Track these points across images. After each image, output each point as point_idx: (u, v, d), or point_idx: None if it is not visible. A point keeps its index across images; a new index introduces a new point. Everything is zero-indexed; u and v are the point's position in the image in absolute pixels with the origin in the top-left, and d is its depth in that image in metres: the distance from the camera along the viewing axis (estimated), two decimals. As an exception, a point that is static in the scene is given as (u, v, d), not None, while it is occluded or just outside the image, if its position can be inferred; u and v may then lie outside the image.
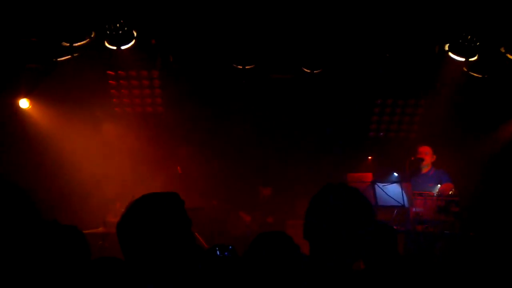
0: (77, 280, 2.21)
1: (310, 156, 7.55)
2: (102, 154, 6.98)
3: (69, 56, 5.93)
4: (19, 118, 6.86)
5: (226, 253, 2.34)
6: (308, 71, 6.37)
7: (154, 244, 1.83)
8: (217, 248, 2.40)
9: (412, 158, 6.35)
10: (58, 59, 5.98)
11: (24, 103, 6.83)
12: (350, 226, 1.87)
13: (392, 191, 5.73)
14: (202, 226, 5.91)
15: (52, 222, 2.49)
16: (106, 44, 5.78)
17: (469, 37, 5.66)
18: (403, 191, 5.71)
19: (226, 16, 5.74)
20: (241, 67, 6.32)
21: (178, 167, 7.01)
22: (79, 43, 5.70)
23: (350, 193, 1.95)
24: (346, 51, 6.27)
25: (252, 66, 6.35)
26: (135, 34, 5.81)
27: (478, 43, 5.70)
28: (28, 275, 2.09)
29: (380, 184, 5.79)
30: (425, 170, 6.44)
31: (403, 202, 5.67)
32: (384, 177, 6.45)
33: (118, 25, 5.58)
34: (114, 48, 5.78)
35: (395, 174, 6.89)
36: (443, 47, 5.97)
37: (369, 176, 6.09)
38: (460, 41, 5.74)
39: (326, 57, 6.29)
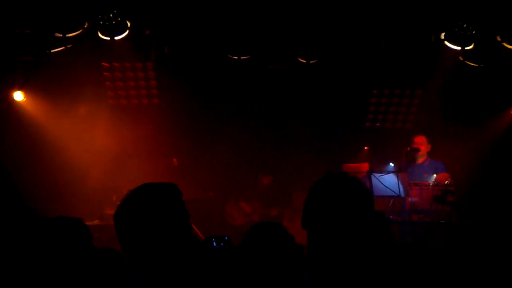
0: (80, 270, 2.23)
1: (306, 146, 7.55)
2: (97, 146, 6.95)
3: (63, 48, 5.88)
4: (14, 111, 6.82)
5: (222, 244, 2.34)
6: (304, 61, 6.34)
7: (151, 234, 1.82)
8: (213, 239, 2.39)
9: (408, 148, 6.35)
10: (52, 51, 5.92)
11: (18, 96, 6.78)
12: (349, 215, 1.85)
13: (388, 181, 5.74)
14: (199, 218, 5.91)
15: (57, 218, 2.52)
16: (100, 35, 5.73)
17: (465, 25, 5.64)
18: (399, 181, 5.72)
19: (221, 6, 5.69)
20: (236, 57, 6.28)
21: (174, 159, 6.99)
22: (72, 34, 5.64)
23: (350, 182, 1.94)
24: (342, 41, 6.25)
25: (247, 57, 6.31)
26: (128, 24, 5.76)
27: (474, 32, 5.68)
28: (34, 267, 2.11)
29: (376, 175, 5.79)
30: (420, 160, 6.45)
31: (399, 192, 5.68)
32: (380, 168, 6.45)
33: (111, 15, 5.53)
34: (108, 38, 5.72)
35: (391, 164, 6.90)
36: (439, 36, 5.95)
37: (365, 167, 6.10)
38: (456, 29, 5.72)
39: (322, 47, 6.26)
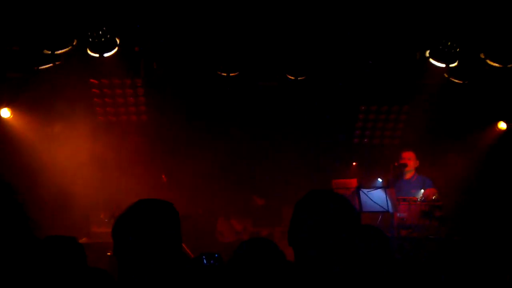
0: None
1: (295, 163, 7.57)
2: (85, 163, 6.89)
3: (51, 64, 5.86)
4: (0, 128, 6.75)
5: (212, 261, 2.33)
6: (293, 78, 6.40)
7: (146, 249, 1.83)
8: (203, 256, 2.38)
9: (396, 164, 6.41)
10: (40, 67, 5.90)
11: (5, 113, 6.72)
12: (334, 232, 1.86)
13: (376, 196, 5.77)
14: (188, 235, 5.85)
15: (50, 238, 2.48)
16: (89, 52, 5.73)
17: (449, 43, 5.75)
18: (387, 197, 5.75)
19: (210, 24, 5.74)
20: (225, 74, 6.31)
21: (163, 176, 6.96)
22: (61, 51, 5.63)
23: (334, 199, 1.95)
24: (329, 58, 6.33)
25: (236, 73, 6.35)
26: (118, 41, 5.77)
27: (458, 49, 5.80)
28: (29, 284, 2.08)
29: (365, 190, 5.82)
30: (408, 175, 6.50)
31: (388, 207, 5.71)
32: (368, 183, 6.49)
33: (100, 32, 5.54)
34: (97, 55, 5.72)
35: (379, 179, 6.95)
36: (424, 53, 6.06)
37: (354, 182, 6.13)
38: (441, 47, 5.83)
39: (310, 64, 6.33)
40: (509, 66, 5.84)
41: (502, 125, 7.24)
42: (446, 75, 6.34)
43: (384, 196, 5.74)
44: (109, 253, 5.86)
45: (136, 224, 1.85)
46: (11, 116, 6.77)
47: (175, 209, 1.94)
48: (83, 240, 6.09)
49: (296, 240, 1.92)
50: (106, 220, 6.19)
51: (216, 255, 2.45)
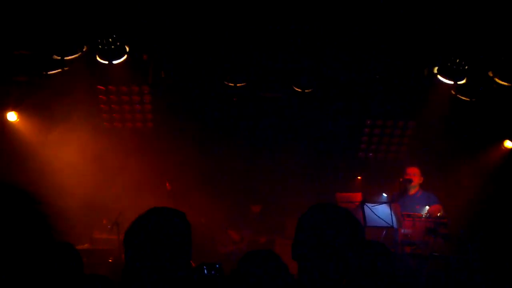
0: None
1: (300, 175, 7.55)
2: (89, 169, 6.89)
3: (60, 70, 5.89)
4: (6, 131, 6.77)
5: (213, 272, 2.30)
6: (299, 90, 6.41)
7: (157, 257, 1.81)
8: (204, 267, 2.35)
9: (401, 179, 6.37)
10: (49, 72, 5.93)
11: (12, 116, 6.75)
12: (338, 247, 1.84)
13: (381, 211, 5.73)
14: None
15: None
16: (98, 59, 5.76)
17: (457, 60, 5.75)
18: (392, 212, 5.71)
19: (219, 34, 5.77)
20: (232, 84, 6.33)
21: (167, 183, 6.95)
22: (70, 57, 5.67)
23: (338, 213, 1.93)
24: (337, 71, 6.33)
25: (243, 84, 6.37)
26: (127, 49, 5.81)
27: (466, 67, 5.79)
28: None
29: (370, 205, 5.78)
30: (412, 191, 6.46)
31: (392, 223, 5.66)
32: (373, 198, 6.45)
33: (110, 39, 5.57)
34: (106, 62, 5.76)
35: (384, 195, 6.90)
36: (432, 70, 6.05)
37: (358, 196, 6.10)
38: (449, 64, 5.83)
39: (317, 77, 6.34)
40: (517, 84, 5.82)
41: (508, 144, 7.20)
42: (453, 92, 6.33)
43: (389, 211, 5.70)
44: (110, 259, 5.83)
45: (149, 232, 1.83)
46: (18, 120, 6.79)
47: (186, 219, 1.92)
48: (85, 246, 6.07)
49: (300, 254, 1.90)
50: (108, 227, 6.17)
51: (217, 266, 2.42)
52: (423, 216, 5.87)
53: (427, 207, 6.01)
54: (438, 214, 5.84)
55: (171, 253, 1.80)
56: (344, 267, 1.85)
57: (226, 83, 6.35)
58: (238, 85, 6.34)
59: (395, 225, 5.68)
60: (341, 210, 1.95)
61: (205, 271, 2.54)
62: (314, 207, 1.95)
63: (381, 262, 2.81)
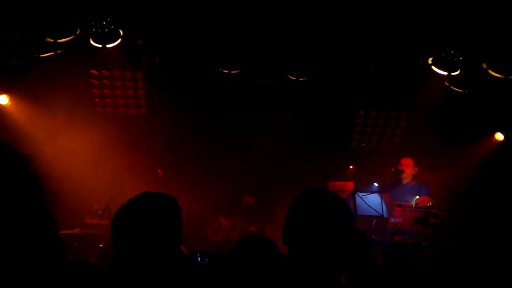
0: (50, 281, 2.15)
1: (292, 164, 7.56)
2: (81, 154, 6.86)
3: (52, 53, 5.83)
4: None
5: (207, 259, 2.31)
6: (294, 78, 6.39)
7: (145, 242, 1.80)
8: (198, 255, 2.36)
9: (392, 169, 6.41)
10: (41, 55, 5.86)
11: (3, 99, 6.69)
12: (328, 232, 1.85)
13: (372, 201, 5.77)
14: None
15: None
16: (91, 42, 5.70)
17: (452, 51, 5.76)
18: (382, 202, 5.75)
19: (214, 20, 5.73)
20: (227, 71, 6.30)
21: (159, 170, 6.93)
22: (63, 40, 5.60)
23: (329, 198, 1.94)
24: (331, 60, 6.32)
25: (238, 71, 6.34)
26: (121, 33, 5.74)
27: (461, 58, 5.81)
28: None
29: (361, 194, 5.82)
30: (405, 181, 6.51)
31: (383, 212, 5.71)
32: (364, 187, 6.49)
33: (104, 23, 5.51)
34: (100, 46, 5.70)
35: (375, 184, 6.95)
36: (427, 60, 6.06)
37: (350, 185, 6.13)
38: (444, 55, 5.84)
39: (312, 65, 6.32)
40: (510, 77, 5.85)
41: (499, 136, 7.26)
42: (447, 83, 6.35)
43: (380, 200, 5.74)
44: (101, 245, 5.84)
45: (138, 217, 1.82)
46: (9, 103, 6.73)
47: (177, 204, 1.92)
48: (75, 231, 6.07)
49: (291, 239, 1.91)
50: (99, 212, 6.17)
51: (211, 254, 2.43)
52: (413, 206, 5.93)
53: (417, 197, 6.07)
54: (428, 204, 5.90)
55: (160, 237, 1.81)
56: (334, 252, 1.86)
57: (220, 69, 6.31)
58: (232, 72, 6.31)
59: (385, 214, 5.73)
60: (331, 195, 1.96)
61: (199, 259, 2.55)
62: (305, 192, 1.96)
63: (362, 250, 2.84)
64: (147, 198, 1.88)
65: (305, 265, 1.84)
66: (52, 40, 5.58)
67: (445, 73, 5.96)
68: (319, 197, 1.93)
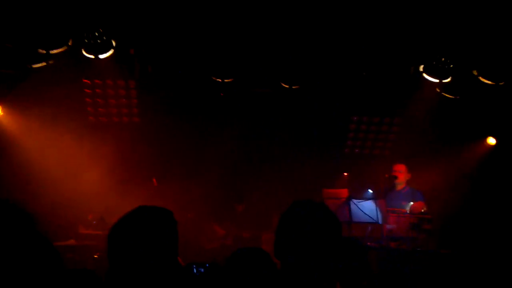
0: None
1: (286, 171, 7.57)
2: (74, 164, 6.82)
3: (44, 63, 5.81)
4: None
5: (202, 270, 2.30)
6: (287, 86, 6.42)
7: (142, 256, 1.80)
8: (193, 266, 2.35)
9: (386, 176, 6.44)
10: (33, 66, 5.84)
11: (-5, 110, 6.65)
12: (317, 243, 1.87)
13: (366, 207, 5.78)
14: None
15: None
16: (84, 53, 5.69)
17: (443, 59, 5.82)
18: (377, 208, 5.77)
19: (206, 30, 5.75)
20: (220, 80, 6.31)
21: (154, 179, 6.91)
22: (55, 51, 5.59)
23: (316, 209, 1.96)
24: (324, 68, 6.36)
25: (231, 80, 6.35)
26: (113, 43, 5.74)
27: (451, 66, 5.87)
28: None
29: (355, 201, 5.84)
30: (399, 187, 6.53)
31: (377, 219, 5.73)
32: (359, 194, 6.51)
33: (96, 33, 5.50)
34: (92, 57, 5.69)
35: (370, 190, 6.97)
36: (418, 68, 6.12)
37: (344, 192, 6.14)
38: (435, 63, 5.90)
39: (305, 73, 6.35)
40: (500, 83, 5.92)
41: (491, 141, 7.33)
42: (438, 90, 6.41)
43: (374, 207, 5.76)
44: (95, 256, 5.79)
45: (134, 232, 1.82)
46: (1, 114, 6.69)
47: (174, 218, 1.92)
48: (70, 242, 6.02)
49: (282, 253, 1.92)
50: (94, 222, 6.13)
51: (207, 265, 2.43)
52: (408, 212, 5.95)
53: (411, 203, 6.09)
54: (422, 210, 5.92)
55: (157, 251, 1.80)
56: (324, 264, 1.88)
57: (213, 78, 6.32)
58: (225, 80, 6.32)
59: (380, 221, 5.74)
60: (319, 206, 1.97)
61: (194, 270, 2.54)
62: (293, 205, 1.98)
63: (356, 258, 2.86)
64: (144, 212, 1.88)
65: (298, 277, 1.85)
66: (44, 51, 5.57)
67: (437, 80, 6.02)
68: (306, 208, 1.95)
